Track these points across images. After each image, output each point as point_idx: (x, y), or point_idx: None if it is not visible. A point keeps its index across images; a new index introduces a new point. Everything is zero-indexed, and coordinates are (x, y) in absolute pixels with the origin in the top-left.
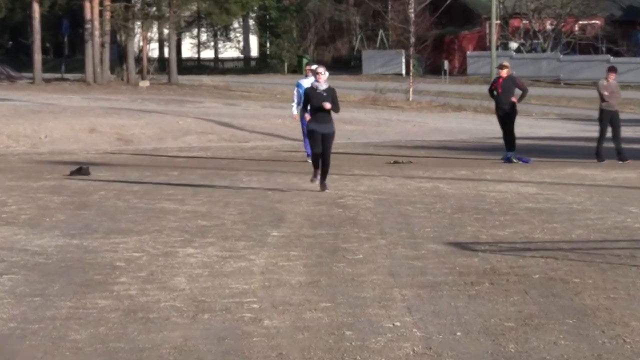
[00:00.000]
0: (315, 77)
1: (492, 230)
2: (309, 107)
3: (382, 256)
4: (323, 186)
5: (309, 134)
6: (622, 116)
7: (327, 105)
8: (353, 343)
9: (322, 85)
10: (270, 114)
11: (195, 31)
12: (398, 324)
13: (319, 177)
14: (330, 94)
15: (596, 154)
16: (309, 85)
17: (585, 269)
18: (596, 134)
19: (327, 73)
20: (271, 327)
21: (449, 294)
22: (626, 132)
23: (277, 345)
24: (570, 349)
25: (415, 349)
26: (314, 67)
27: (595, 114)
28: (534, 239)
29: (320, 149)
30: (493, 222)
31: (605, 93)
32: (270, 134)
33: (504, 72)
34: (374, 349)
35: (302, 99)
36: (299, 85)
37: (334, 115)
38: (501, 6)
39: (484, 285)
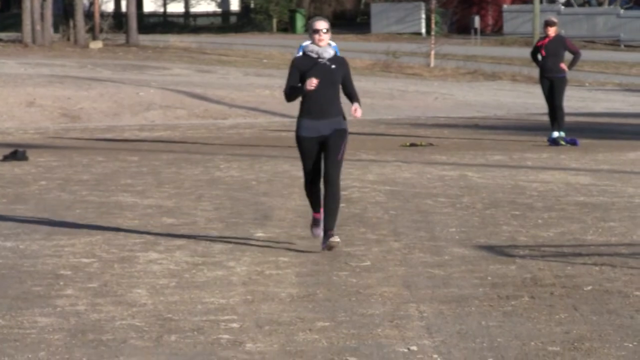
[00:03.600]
0: (312, 37)
1: (533, 230)
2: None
3: (395, 263)
4: (328, 238)
5: (301, 143)
6: None
7: (359, 114)
8: None
9: (326, 51)
10: (254, 83)
11: None
12: (415, 348)
13: (320, 227)
14: (342, 69)
15: None
16: (301, 55)
17: None
18: None
19: (330, 32)
20: (255, 352)
21: (478, 310)
22: None
23: None
24: None
25: None
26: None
27: None
28: (586, 242)
29: (318, 169)
30: (535, 221)
31: None
32: (254, 109)
33: (552, 31)
34: None
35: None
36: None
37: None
38: None
39: (523, 299)
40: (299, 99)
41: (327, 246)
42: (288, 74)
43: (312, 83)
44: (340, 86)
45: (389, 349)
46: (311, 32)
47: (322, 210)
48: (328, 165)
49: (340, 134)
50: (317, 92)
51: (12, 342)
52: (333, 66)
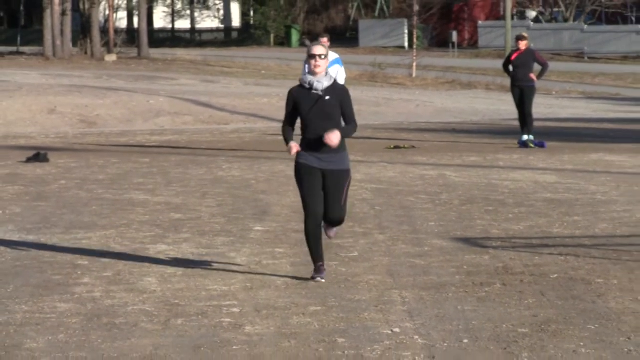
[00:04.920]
0: (310, 63)
1: (505, 224)
2: (298, 125)
3: (380, 254)
4: (328, 229)
5: (299, 174)
6: None
7: (335, 141)
8: (346, 352)
9: (322, 82)
10: (254, 92)
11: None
12: (397, 330)
13: (324, 272)
14: (338, 98)
15: None
16: (297, 85)
17: (610, 268)
18: (625, 115)
19: (331, 54)
20: (253, 334)
21: (455, 296)
22: None
23: (260, 354)
24: (592, 358)
25: (416, 358)
26: (323, 40)
27: (624, 92)
28: (552, 234)
29: (321, 207)
30: (506, 215)
31: None
32: (254, 115)
33: (523, 45)
34: (369, 359)
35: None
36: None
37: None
38: None
39: (495, 286)
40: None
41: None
42: (285, 106)
43: (292, 151)
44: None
45: (374, 331)
46: (308, 57)
47: (322, 264)
48: (331, 210)
49: (342, 176)
50: (314, 126)
51: (34, 326)
52: (327, 98)
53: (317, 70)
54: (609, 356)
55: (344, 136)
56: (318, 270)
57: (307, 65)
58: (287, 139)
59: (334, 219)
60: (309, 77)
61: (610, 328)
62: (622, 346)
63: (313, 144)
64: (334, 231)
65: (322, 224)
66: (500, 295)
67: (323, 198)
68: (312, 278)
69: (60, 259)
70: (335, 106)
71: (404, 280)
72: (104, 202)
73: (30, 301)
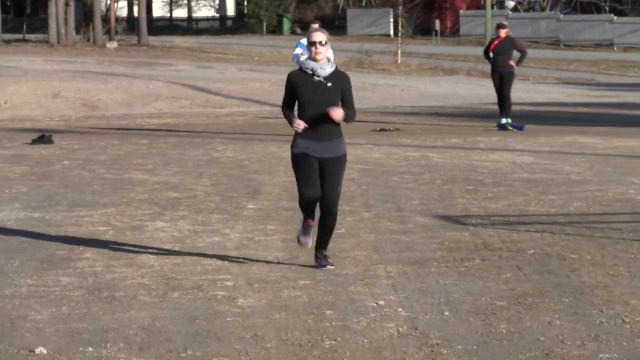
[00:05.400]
0: (309, 50)
1: (484, 202)
2: (295, 111)
3: (365, 230)
4: (321, 259)
5: (297, 161)
6: (625, 80)
7: (337, 116)
8: (333, 323)
9: (324, 68)
10: (247, 77)
11: None
12: (382, 302)
13: (310, 236)
14: (340, 85)
15: None
16: (297, 69)
17: (584, 244)
18: (598, 100)
19: (329, 44)
20: (246, 307)
21: (437, 270)
22: (629, 97)
23: (252, 325)
24: (566, 330)
25: (400, 329)
26: (314, 27)
27: (598, 77)
28: (529, 212)
29: (316, 191)
30: (485, 194)
31: None
32: (247, 99)
33: (503, 33)
34: (355, 330)
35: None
36: (300, 45)
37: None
38: None
39: (475, 261)
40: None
41: (319, 264)
42: (284, 90)
43: (299, 125)
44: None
45: (360, 304)
46: (308, 44)
47: (311, 222)
48: (327, 195)
49: (339, 162)
50: (314, 112)
51: (39, 299)
52: (329, 84)
53: (318, 57)
54: (582, 327)
55: (345, 117)
56: (304, 229)
57: (300, 45)
58: (291, 118)
59: (331, 203)
60: (312, 63)
61: (583, 301)
62: (594, 318)
63: (312, 131)
64: (327, 261)
65: (316, 255)
66: (480, 270)
67: (319, 183)
68: (298, 240)
69: (64, 235)
70: (337, 93)
71: (389, 255)
72: (105, 181)
73: (34, 275)
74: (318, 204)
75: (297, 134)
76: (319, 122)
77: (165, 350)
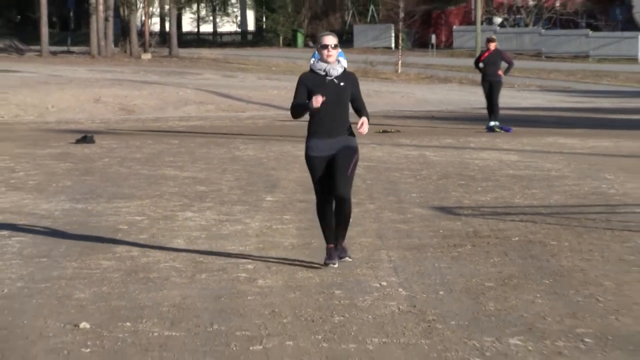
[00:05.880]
0: (321, 54)
1: (474, 195)
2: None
3: (370, 220)
4: (340, 251)
5: (310, 163)
6: (599, 88)
7: (366, 130)
8: (342, 301)
9: (335, 69)
10: (266, 85)
11: (194, 6)
12: (384, 283)
13: (334, 258)
14: (350, 85)
15: None
16: (308, 71)
17: (562, 232)
18: (575, 105)
19: (338, 47)
20: (265, 287)
21: (433, 255)
22: (602, 103)
23: (270, 303)
24: (547, 307)
25: (400, 307)
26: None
27: (575, 85)
28: (514, 204)
29: (328, 184)
30: (475, 188)
31: None
32: (266, 104)
33: (492, 46)
34: (361, 307)
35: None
36: (315, 56)
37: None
38: None
39: (466, 247)
40: (307, 116)
41: (336, 258)
42: (295, 91)
43: (318, 100)
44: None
45: (365, 284)
46: (320, 47)
47: (334, 248)
48: (337, 181)
49: (349, 151)
50: (325, 111)
51: (82, 280)
52: (342, 84)
53: (330, 59)
54: (560, 306)
55: (358, 113)
56: (329, 253)
57: (315, 57)
58: (305, 104)
59: (342, 190)
60: (324, 65)
61: (562, 282)
62: (571, 297)
63: (324, 129)
64: (346, 253)
65: (336, 251)
66: (470, 255)
67: (331, 176)
68: (325, 264)
69: (104, 224)
70: (347, 92)
71: (390, 242)
72: (141, 176)
73: (79, 259)
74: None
75: (309, 134)
76: (332, 120)
77: (194, 325)
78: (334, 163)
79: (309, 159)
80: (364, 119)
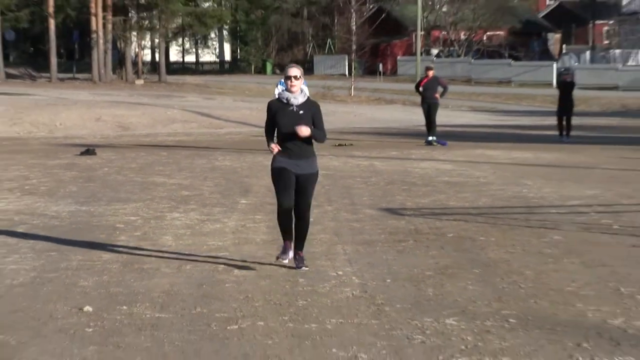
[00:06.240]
0: (285, 84)
1: (415, 198)
2: (275, 133)
3: (328, 219)
4: (298, 261)
5: (275, 175)
6: (520, 108)
7: (304, 132)
8: (305, 288)
9: (297, 98)
10: (240, 106)
11: (180, 40)
12: (340, 273)
13: (291, 251)
14: (310, 111)
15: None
16: (275, 97)
17: (490, 229)
18: (500, 122)
19: (303, 78)
20: (240, 276)
21: (381, 249)
22: (522, 121)
23: (245, 290)
24: (477, 293)
25: (353, 293)
26: (290, 70)
27: (499, 106)
28: (449, 206)
29: (291, 200)
30: (417, 192)
31: None
32: (241, 122)
33: (430, 73)
34: (321, 293)
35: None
36: (280, 84)
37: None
38: (425, 20)
39: (409, 242)
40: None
41: (297, 265)
42: (266, 115)
43: (273, 149)
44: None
45: (324, 274)
46: (285, 77)
47: (290, 243)
48: (301, 201)
49: (312, 178)
50: (288, 135)
51: (86, 270)
52: (301, 112)
53: (293, 89)
54: (488, 291)
55: (313, 135)
56: (284, 250)
57: (281, 84)
58: (269, 142)
59: (304, 211)
60: (287, 94)
61: (489, 272)
62: (497, 284)
63: (288, 149)
64: (303, 263)
65: (292, 254)
66: (413, 249)
67: (294, 194)
68: (277, 258)
69: (104, 223)
70: (308, 118)
71: (345, 238)
72: (135, 183)
73: (83, 253)
74: (293, 214)
75: (277, 153)
76: (294, 143)
77: (180, 308)
78: (299, 187)
79: (274, 170)
80: (304, 126)
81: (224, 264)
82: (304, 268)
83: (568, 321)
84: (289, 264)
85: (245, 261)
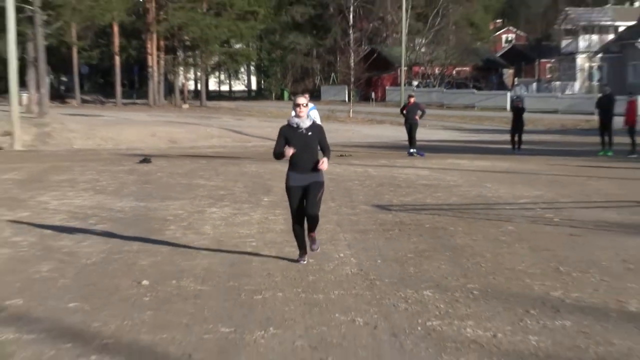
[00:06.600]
0: (295, 110)
1: (400, 197)
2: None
3: (331, 213)
4: (311, 242)
5: (289, 192)
6: (481, 127)
7: (325, 167)
8: (314, 266)
9: (305, 123)
10: (264, 125)
11: (217, 73)
12: (342, 255)
13: (304, 258)
14: (317, 134)
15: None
16: (286, 125)
17: (457, 221)
18: (466, 138)
19: (310, 104)
20: (264, 256)
21: (373, 236)
22: (484, 137)
23: (267, 268)
24: (448, 270)
25: (352, 270)
26: (298, 99)
27: (465, 125)
28: (426, 203)
29: (301, 213)
30: (401, 192)
31: None
32: (264, 138)
33: (412, 100)
34: (327, 270)
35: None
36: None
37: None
38: (407, 58)
39: (395, 231)
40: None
41: (310, 249)
42: (277, 138)
43: (288, 153)
44: (319, 145)
45: (329, 255)
46: (294, 105)
47: (305, 253)
48: (310, 204)
49: (318, 185)
50: (299, 154)
51: (143, 252)
52: (309, 133)
53: (301, 114)
54: (457, 270)
55: (328, 160)
56: (301, 255)
57: (293, 111)
58: (282, 151)
59: (311, 214)
60: (296, 120)
61: (457, 254)
62: (464, 264)
63: (297, 166)
64: (316, 244)
65: (307, 239)
66: (398, 236)
67: (303, 205)
68: (297, 260)
69: (158, 215)
70: (315, 139)
71: (345, 228)
72: (182, 185)
73: (141, 239)
74: (305, 221)
75: (289, 169)
76: (304, 160)
77: (217, 282)
78: (308, 192)
79: (288, 188)
80: (324, 158)
81: (251, 247)
82: (316, 250)
83: (519, 293)
84: (304, 263)
85: (267, 245)
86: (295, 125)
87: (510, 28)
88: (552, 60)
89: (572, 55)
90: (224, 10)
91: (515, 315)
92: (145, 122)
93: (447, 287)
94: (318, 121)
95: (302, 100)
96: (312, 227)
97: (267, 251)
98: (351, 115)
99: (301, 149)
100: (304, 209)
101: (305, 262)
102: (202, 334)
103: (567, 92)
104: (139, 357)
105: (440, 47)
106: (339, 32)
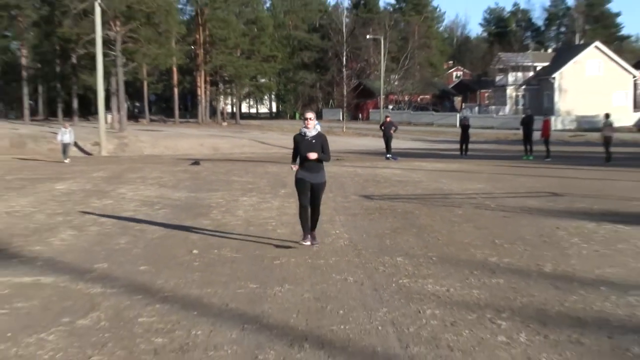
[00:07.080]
0: (304, 122)
1: (380, 190)
2: (298, 156)
3: (330, 201)
4: (312, 238)
5: (297, 183)
6: (438, 139)
7: (313, 156)
8: (317, 240)
9: (311, 132)
10: (282, 137)
11: (247, 99)
12: (337, 232)
13: (309, 238)
14: (320, 141)
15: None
16: (298, 133)
17: (422, 207)
18: (429, 147)
19: (316, 120)
20: (281, 233)
21: (360, 218)
22: (440, 146)
23: (284, 241)
24: (414, 243)
25: (345, 243)
26: (306, 114)
27: (427, 137)
28: (399, 194)
29: (308, 201)
30: (381, 186)
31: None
32: (281, 146)
33: (388, 119)
34: (326, 243)
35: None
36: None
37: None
38: (385, 89)
39: (376, 215)
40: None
41: (311, 243)
42: (293, 144)
43: (294, 168)
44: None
45: (328, 232)
46: (303, 118)
47: (308, 233)
48: (313, 204)
49: (322, 186)
50: (307, 157)
51: (194, 229)
52: (314, 141)
53: (309, 125)
54: (421, 242)
55: (321, 158)
56: (304, 237)
57: (303, 123)
58: (292, 162)
59: (315, 207)
60: (304, 130)
61: (423, 230)
62: (426, 238)
63: (305, 166)
64: (316, 241)
65: (309, 237)
66: (378, 218)
67: (310, 196)
68: (299, 243)
69: (205, 203)
70: (318, 145)
71: (340, 212)
72: (222, 181)
73: (191, 219)
74: (309, 210)
75: (299, 168)
76: (309, 162)
77: (247, 251)
78: (313, 192)
79: (297, 180)
80: (314, 152)
81: (271, 226)
82: (316, 246)
83: (466, 259)
84: (307, 244)
85: (284, 224)
86: (303, 134)
87: (459, 67)
88: (489, 90)
89: (503, 87)
90: (252, 55)
91: (463, 274)
92: (195, 135)
93: (414, 255)
94: None
95: (309, 114)
96: (314, 224)
97: (284, 229)
98: (344, 130)
99: (308, 153)
100: (309, 202)
101: (307, 243)
102: (236, 289)
103: (500, 113)
104: (191, 306)
105: (408, 81)
106: (335, 70)
